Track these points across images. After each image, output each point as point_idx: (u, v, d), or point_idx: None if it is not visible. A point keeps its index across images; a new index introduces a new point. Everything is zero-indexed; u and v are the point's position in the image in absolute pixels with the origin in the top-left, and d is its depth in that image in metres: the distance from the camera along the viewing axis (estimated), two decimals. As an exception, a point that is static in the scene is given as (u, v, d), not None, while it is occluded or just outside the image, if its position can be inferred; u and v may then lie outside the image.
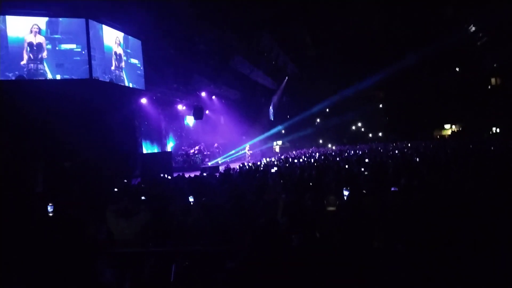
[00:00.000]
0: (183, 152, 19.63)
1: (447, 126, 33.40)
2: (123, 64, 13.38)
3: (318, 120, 35.26)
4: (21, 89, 10.52)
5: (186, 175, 9.48)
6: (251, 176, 8.64)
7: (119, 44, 13.20)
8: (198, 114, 18.29)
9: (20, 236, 3.17)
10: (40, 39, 10.95)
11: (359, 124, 37.07)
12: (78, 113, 10.94)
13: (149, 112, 17.81)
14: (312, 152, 21.16)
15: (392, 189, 5.09)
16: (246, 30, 17.87)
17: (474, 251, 2.73)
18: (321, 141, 34.06)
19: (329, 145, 31.19)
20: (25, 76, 10.71)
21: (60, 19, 11.23)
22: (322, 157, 14.73)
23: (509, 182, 5.18)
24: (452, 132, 32.43)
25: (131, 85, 13.85)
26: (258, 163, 14.70)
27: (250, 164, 13.03)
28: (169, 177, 11.08)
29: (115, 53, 12.95)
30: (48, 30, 11.09)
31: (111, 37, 12.81)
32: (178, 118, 21.74)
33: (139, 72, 14.47)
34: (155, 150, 18.89)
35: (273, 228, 2.45)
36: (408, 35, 23.93)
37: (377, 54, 25.96)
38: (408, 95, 30.24)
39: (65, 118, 10.51)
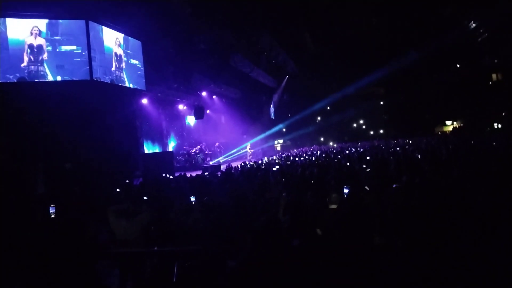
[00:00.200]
0: (185, 152, 19.66)
1: (448, 122, 33.29)
2: (123, 64, 13.39)
3: (319, 118, 35.24)
4: (22, 91, 10.54)
5: (188, 175, 9.49)
6: (252, 174, 8.65)
7: (119, 45, 13.23)
8: (199, 113, 18.31)
9: (21, 237, 3.18)
10: (41, 41, 10.97)
11: (360, 122, 37.05)
12: (79, 114, 10.96)
13: (150, 112, 17.85)
14: (313, 150, 21.13)
15: (394, 186, 5.08)
16: (246, 29, 17.84)
17: (476, 247, 2.73)
18: (322, 139, 34.04)
19: (331, 143, 31.18)
20: (26, 78, 10.74)
21: (60, 20, 11.25)
22: (324, 155, 14.69)
23: (511, 178, 5.17)
24: (454, 128, 32.32)
25: (131, 86, 13.87)
26: (260, 161, 14.71)
27: (251, 163, 13.04)
28: (171, 177, 11.11)
29: (115, 54, 12.97)
30: (48, 32, 11.12)
31: (111, 38, 12.83)
32: (179, 118, 21.76)
33: (139, 72, 14.49)
34: (157, 150, 18.93)
35: (275, 226, 2.44)
36: (408, 32, 23.86)
37: (377, 51, 25.87)
38: (409, 91, 30.17)
39: (66, 119, 10.55)
